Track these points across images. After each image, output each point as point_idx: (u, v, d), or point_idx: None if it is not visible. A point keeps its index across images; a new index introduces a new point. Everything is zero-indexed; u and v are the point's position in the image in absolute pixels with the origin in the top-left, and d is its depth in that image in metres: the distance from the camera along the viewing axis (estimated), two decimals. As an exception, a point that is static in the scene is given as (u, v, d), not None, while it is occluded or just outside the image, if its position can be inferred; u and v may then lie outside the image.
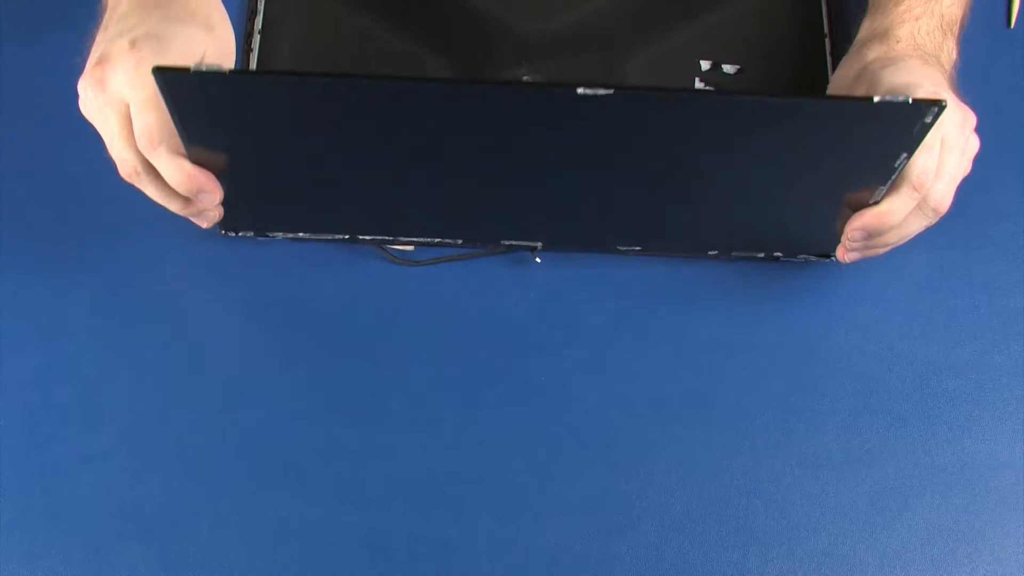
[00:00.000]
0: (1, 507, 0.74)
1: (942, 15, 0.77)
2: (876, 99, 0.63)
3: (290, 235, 0.80)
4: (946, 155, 0.71)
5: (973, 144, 0.72)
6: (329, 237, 0.80)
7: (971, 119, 0.72)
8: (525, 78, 0.86)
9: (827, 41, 0.87)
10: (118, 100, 0.69)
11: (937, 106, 0.63)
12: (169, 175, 0.70)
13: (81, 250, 0.81)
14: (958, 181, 0.72)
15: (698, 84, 0.86)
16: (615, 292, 0.80)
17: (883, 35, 0.76)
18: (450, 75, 0.86)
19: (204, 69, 0.62)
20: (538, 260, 0.80)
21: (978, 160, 0.81)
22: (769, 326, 0.79)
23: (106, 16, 0.74)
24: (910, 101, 0.63)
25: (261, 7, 0.88)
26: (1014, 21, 0.89)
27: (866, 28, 0.78)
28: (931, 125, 0.65)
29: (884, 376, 0.77)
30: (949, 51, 0.77)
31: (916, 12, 0.76)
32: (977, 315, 0.79)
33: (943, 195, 0.71)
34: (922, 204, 0.71)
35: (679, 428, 0.76)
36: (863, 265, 0.78)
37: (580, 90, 0.62)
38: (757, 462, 0.75)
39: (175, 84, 0.64)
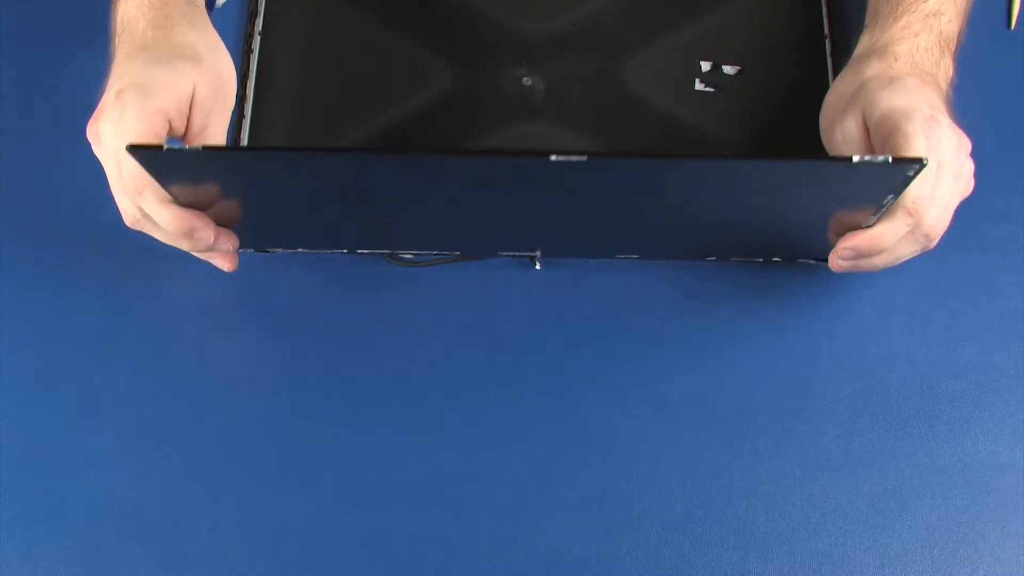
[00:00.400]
0: (1, 507, 0.74)
1: (940, 31, 0.77)
2: (855, 159, 0.63)
3: (288, 250, 0.80)
4: (941, 181, 0.71)
5: (968, 169, 0.73)
6: (328, 252, 0.80)
7: (966, 144, 0.72)
8: (525, 80, 0.86)
9: (827, 42, 0.87)
10: (112, 151, 0.71)
11: (919, 163, 0.63)
12: (159, 219, 0.72)
13: (82, 251, 0.81)
14: (953, 207, 0.72)
15: (698, 85, 0.86)
16: (615, 293, 0.80)
17: (882, 51, 0.76)
18: (450, 76, 0.86)
19: (176, 148, 0.63)
20: (538, 267, 0.80)
21: (978, 161, 0.81)
22: (769, 327, 0.79)
23: (112, 61, 0.75)
24: (890, 160, 0.63)
25: (261, 8, 0.88)
26: (1014, 22, 0.89)
27: (864, 43, 0.78)
28: (913, 178, 0.65)
29: (884, 377, 0.77)
30: (946, 68, 0.76)
31: (915, 28, 0.76)
32: (977, 316, 0.79)
33: (936, 221, 0.71)
34: (915, 229, 0.71)
35: (679, 429, 0.76)
36: (863, 266, 0.79)
37: (553, 157, 0.62)
38: (757, 463, 0.75)
39: (151, 159, 0.65)
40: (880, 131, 0.72)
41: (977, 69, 0.82)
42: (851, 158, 0.63)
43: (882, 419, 0.76)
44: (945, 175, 0.71)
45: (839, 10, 0.88)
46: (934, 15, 0.77)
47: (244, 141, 0.84)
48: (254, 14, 0.87)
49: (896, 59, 0.75)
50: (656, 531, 0.74)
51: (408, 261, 0.81)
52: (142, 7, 0.75)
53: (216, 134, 0.75)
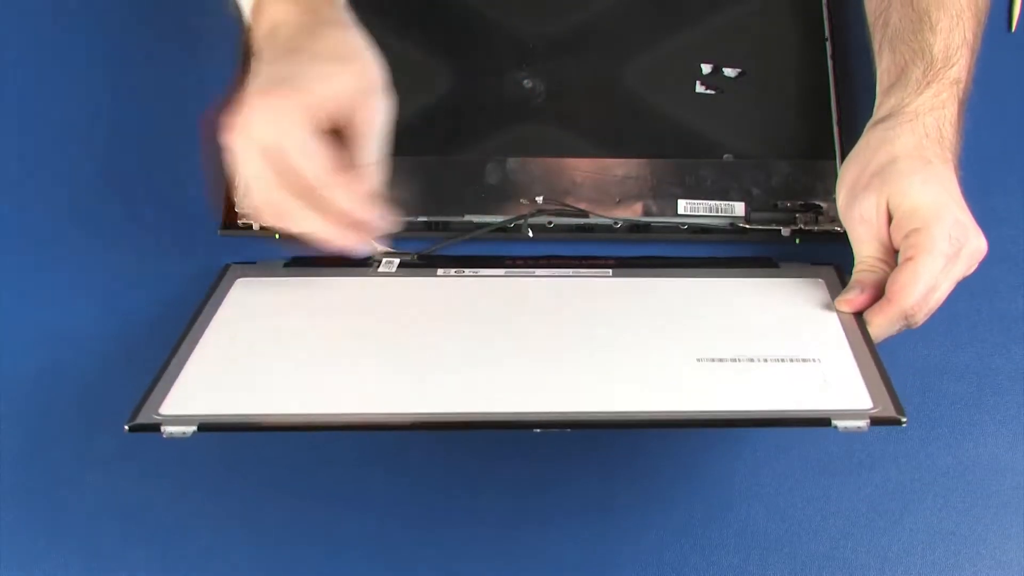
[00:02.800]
0: (3, 511, 0.74)
1: (961, 101, 0.76)
2: (838, 425, 0.63)
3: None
4: (928, 264, 0.71)
5: (972, 251, 0.72)
6: None
7: (983, 247, 0.72)
8: (525, 82, 0.86)
9: (828, 44, 0.87)
10: (259, 146, 0.69)
11: (897, 423, 0.65)
12: (342, 198, 0.70)
13: (82, 252, 0.81)
14: (940, 291, 0.71)
15: (699, 87, 0.86)
16: (616, 295, 0.80)
17: (912, 119, 0.75)
18: (451, 79, 0.86)
19: (169, 431, 0.65)
20: (530, 235, 0.80)
21: (979, 163, 0.82)
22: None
23: (253, 61, 0.74)
24: (866, 427, 0.64)
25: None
26: (1015, 25, 0.89)
27: (893, 103, 0.76)
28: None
29: (885, 380, 0.77)
30: (960, 138, 0.76)
31: (943, 98, 0.76)
32: (978, 319, 0.79)
33: (917, 307, 0.71)
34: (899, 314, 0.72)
35: (680, 431, 0.76)
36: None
37: (537, 429, 0.67)
38: (758, 466, 0.75)
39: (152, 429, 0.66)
40: (904, 224, 0.72)
41: (978, 71, 0.82)
42: (832, 422, 0.63)
43: (883, 421, 0.76)
44: (935, 257, 0.71)
45: (840, 13, 0.88)
46: (956, 83, 0.76)
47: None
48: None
49: (927, 135, 0.74)
50: (657, 534, 0.74)
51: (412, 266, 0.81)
52: (290, 15, 0.74)
53: (377, 132, 0.73)
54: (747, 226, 0.81)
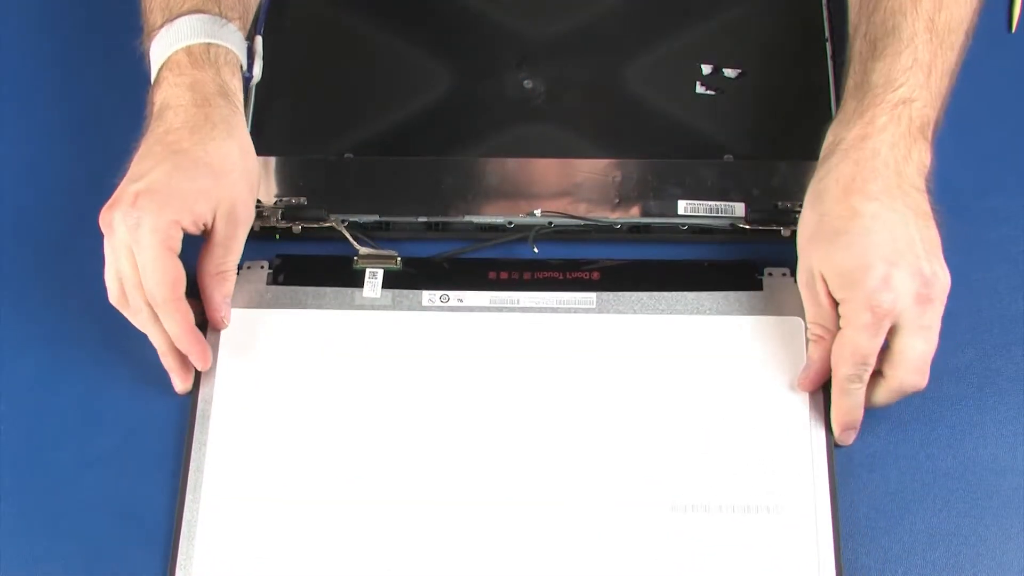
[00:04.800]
0: (2, 511, 0.74)
1: (911, 119, 0.74)
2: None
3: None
4: (906, 339, 0.71)
5: (937, 309, 0.72)
6: None
7: (936, 285, 0.71)
8: (526, 82, 0.86)
9: (828, 45, 0.87)
10: (124, 246, 0.72)
11: None
12: (169, 326, 0.74)
13: (83, 253, 0.81)
14: (924, 359, 0.72)
15: (699, 88, 0.86)
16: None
17: (843, 155, 0.73)
18: (451, 79, 0.86)
19: None
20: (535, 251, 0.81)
21: (979, 164, 0.82)
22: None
23: (143, 139, 0.76)
24: None
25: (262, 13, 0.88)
26: (1015, 25, 0.89)
27: (829, 140, 0.75)
28: None
29: (885, 380, 0.77)
30: (920, 159, 0.73)
31: (880, 123, 0.73)
32: (978, 319, 0.79)
33: (903, 382, 0.72)
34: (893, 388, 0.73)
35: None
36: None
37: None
38: (758, 466, 0.75)
39: None
40: (836, 293, 0.72)
41: (978, 72, 0.82)
42: None
43: (883, 422, 0.76)
44: (909, 330, 0.71)
45: (840, 13, 0.87)
46: (904, 103, 0.74)
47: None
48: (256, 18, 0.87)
49: (858, 170, 0.72)
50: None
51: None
52: (183, 100, 0.75)
53: (239, 243, 0.76)
54: (747, 227, 0.81)
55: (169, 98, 0.76)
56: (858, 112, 0.74)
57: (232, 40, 0.79)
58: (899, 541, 0.73)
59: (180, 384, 0.76)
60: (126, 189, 0.73)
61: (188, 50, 0.77)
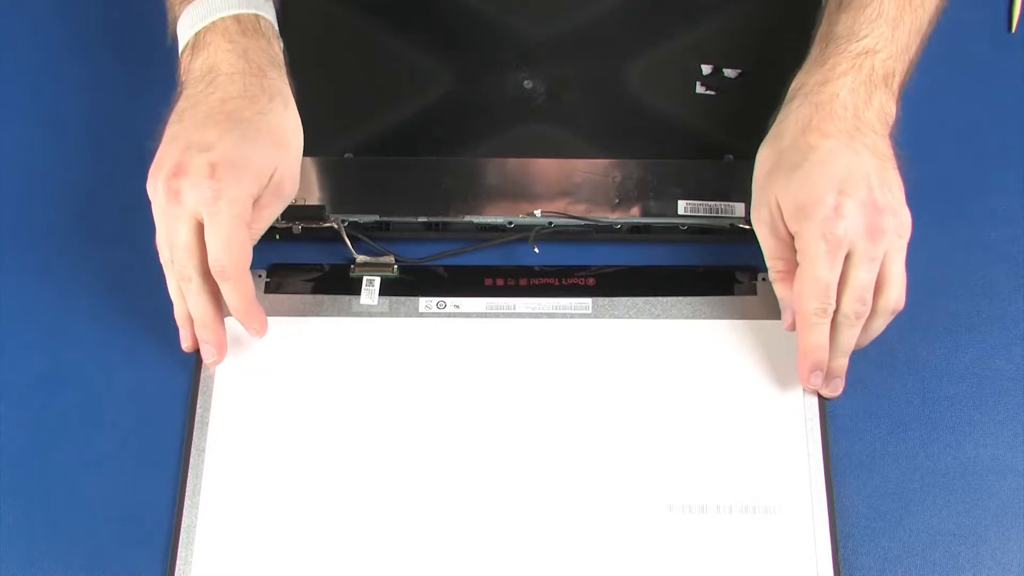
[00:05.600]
0: (2, 511, 0.74)
1: (873, 68, 0.75)
2: None
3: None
4: (852, 269, 0.71)
5: (896, 225, 0.72)
6: None
7: (889, 216, 0.71)
8: (526, 83, 0.86)
9: (828, 45, 0.87)
10: (191, 216, 0.71)
11: None
12: (234, 298, 0.73)
13: (83, 254, 0.81)
14: (866, 288, 0.72)
15: (699, 88, 0.86)
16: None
17: (802, 99, 0.75)
18: (451, 79, 0.86)
19: None
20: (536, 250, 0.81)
21: (978, 164, 0.82)
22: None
23: (179, 105, 0.74)
24: None
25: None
26: (1015, 25, 0.89)
27: (793, 85, 0.77)
28: None
29: (885, 381, 0.77)
30: (882, 106, 0.74)
31: (841, 70, 0.74)
32: (978, 319, 0.79)
33: (846, 311, 0.72)
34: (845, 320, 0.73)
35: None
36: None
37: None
38: (758, 466, 0.75)
39: None
40: (791, 226, 0.73)
41: (978, 72, 0.82)
42: None
43: (883, 423, 0.76)
44: (857, 263, 0.71)
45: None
46: (866, 53, 0.75)
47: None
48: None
49: (817, 110, 0.74)
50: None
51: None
52: (236, 67, 0.74)
53: (273, 217, 0.76)
54: (747, 227, 0.81)
55: (220, 63, 0.74)
56: (820, 60, 0.76)
57: (272, 16, 0.78)
58: (899, 541, 0.73)
59: (213, 357, 0.76)
60: (194, 158, 0.71)
61: (237, 18, 0.75)
